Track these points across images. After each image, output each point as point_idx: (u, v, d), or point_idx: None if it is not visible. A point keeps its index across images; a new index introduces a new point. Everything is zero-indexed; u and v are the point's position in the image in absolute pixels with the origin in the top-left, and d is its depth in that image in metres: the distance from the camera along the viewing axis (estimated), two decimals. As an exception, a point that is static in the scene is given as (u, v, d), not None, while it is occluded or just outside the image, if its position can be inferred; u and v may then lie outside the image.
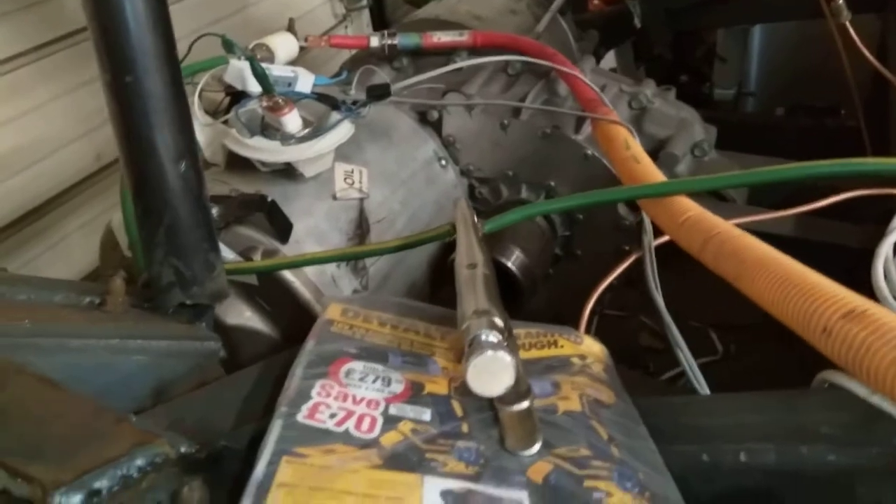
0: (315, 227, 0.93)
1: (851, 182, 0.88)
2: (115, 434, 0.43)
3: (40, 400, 0.46)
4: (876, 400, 0.41)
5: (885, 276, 0.58)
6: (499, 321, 0.42)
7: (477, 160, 1.13)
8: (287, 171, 0.91)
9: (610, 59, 1.92)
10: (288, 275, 0.85)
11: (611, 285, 1.06)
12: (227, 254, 0.82)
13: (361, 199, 0.98)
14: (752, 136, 1.59)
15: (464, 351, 0.41)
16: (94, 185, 1.43)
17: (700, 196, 0.99)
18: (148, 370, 0.59)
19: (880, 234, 0.71)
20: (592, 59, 1.20)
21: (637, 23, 1.61)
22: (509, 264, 1.06)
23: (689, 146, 1.08)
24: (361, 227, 0.99)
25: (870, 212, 0.86)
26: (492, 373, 0.39)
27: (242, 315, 0.90)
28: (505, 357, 0.39)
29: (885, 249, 0.61)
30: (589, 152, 1.04)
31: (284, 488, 0.36)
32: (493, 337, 0.40)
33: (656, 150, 1.06)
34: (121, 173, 0.84)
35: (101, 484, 0.39)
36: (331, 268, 0.90)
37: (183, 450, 0.44)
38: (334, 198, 0.96)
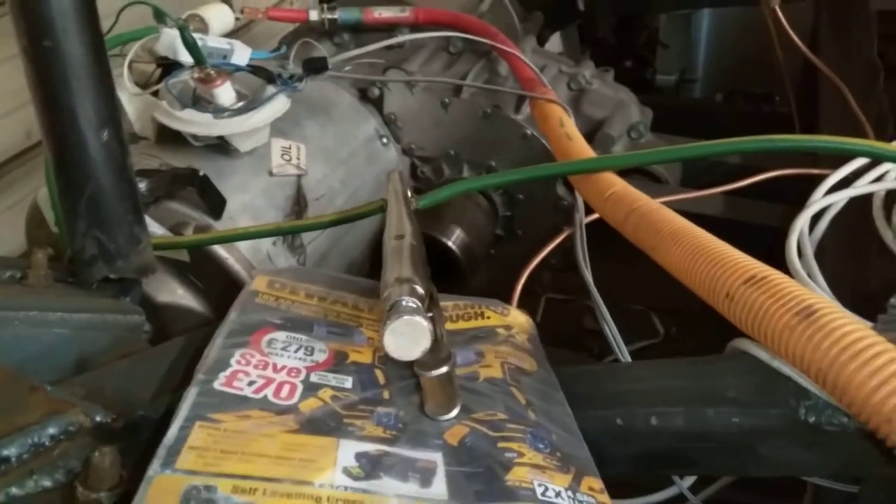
0: (250, 203, 0.92)
1: (775, 163, 0.91)
2: (28, 402, 0.42)
3: (-52, 370, 0.45)
4: (776, 364, 0.43)
5: (799, 252, 0.61)
6: (419, 289, 0.43)
7: (418, 139, 1.13)
8: (221, 146, 0.90)
9: (556, 43, 1.94)
10: (221, 251, 0.84)
11: (552, 267, 1.08)
12: (157, 230, 0.80)
13: (299, 176, 0.97)
14: (691, 122, 1.63)
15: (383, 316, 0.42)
16: (23, 164, 1.36)
17: (634, 178, 1.02)
18: (69, 343, 0.57)
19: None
20: (534, 39, 1.21)
21: (580, 5, 1.63)
22: (450, 243, 1.07)
23: (625, 127, 1.10)
24: (299, 204, 0.97)
25: (792, 191, 0.89)
26: (409, 336, 0.40)
27: (174, 293, 0.88)
28: (421, 322, 0.40)
29: (800, 223, 0.64)
30: (528, 132, 1.05)
31: (195, 451, 0.35)
32: (412, 303, 0.40)
33: (593, 131, 1.08)
34: (43, 144, 0.81)
35: (10, 451, 0.39)
36: (266, 245, 0.89)
37: (98, 419, 0.43)
38: (271, 174, 0.95)
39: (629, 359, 0.65)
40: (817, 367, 0.37)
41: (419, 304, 0.41)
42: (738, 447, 0.45)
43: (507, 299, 0.75)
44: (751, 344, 0.46)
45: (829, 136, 0.70)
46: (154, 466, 0.35)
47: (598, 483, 0.40)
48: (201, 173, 0.84)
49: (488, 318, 0.56)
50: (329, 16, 1.10)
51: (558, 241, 0.79)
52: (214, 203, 0.85)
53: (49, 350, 0.57)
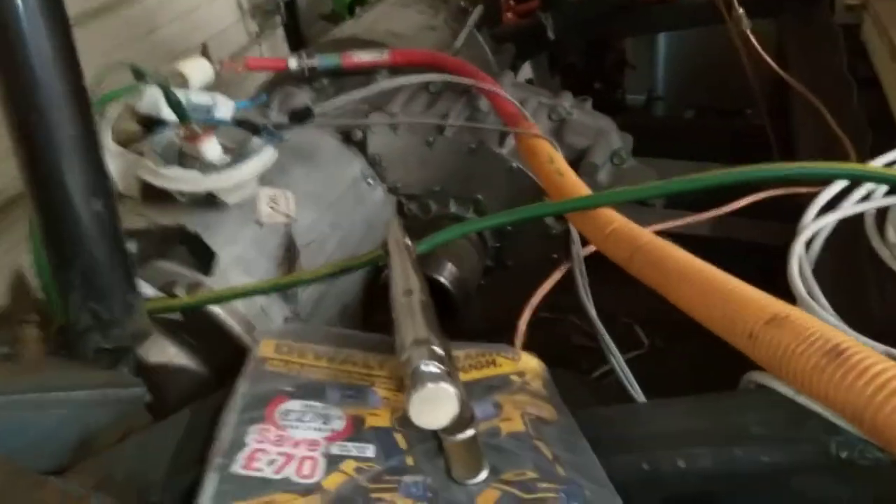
0: (241, 255, 0.91)
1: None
2: (38, 499, 0.40)
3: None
4: (802, 399, 0.43)
5: (801, 275, 0.61)
6: (438, 350, 0.42)
7: (404, 177, 1.13)
8: (208, 199, 0.88)
9: (526, 70, 1.97)
10: (214, 307, 0.82)
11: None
12: (148, 290, 0.79)
13: (288, 224, 0.96)
14: (663, 140, 1.66)
15: (405, 383, 0.41)
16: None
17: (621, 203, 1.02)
18: (70, 423, 0.55)
19: (792, 231, 0.75)
20: (511, 73, 1.22)
21: (550, 34, 1.65)
22: (442, 279, 1.06)
23: (607, 155, 1.11)
24: (290, 251, 0.97)
25: (779, 208, 0.90)
26: (435, 405, 0.39)
27: (166, 352, 0.86)
28: (448, 388, 0.39)
29: (797, 249, 0.64)
30: (514, 165, 1.05)
31: (225, 546, 0.34)
32: (435, 367, 0.40)
33: (577, 160, 1.08)
34: (29, 216, 0.79)
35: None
36: (260, 297, 0.88)
37: (113, 510, 0.42)
38: (259, 224, 0.94)
39: (639, 390, 0.64)
40: (852, 407, 0.36)
41: (441, 367, 0.40)
42: (769, 483, 0.45)
43: (501, 330, 0.74)
44: (770, 378, 0.46)
45: (812, 162, 0.72)
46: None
47: (637, 538, 0.40)
48: (192, 230, 0.83)
49: (500, 365, 0.56)
50: (308, 63, 1.10)
51: (557, 275, 0.78)
52: (205, 258, 0.84)
53: (50, 433, 0.55)
